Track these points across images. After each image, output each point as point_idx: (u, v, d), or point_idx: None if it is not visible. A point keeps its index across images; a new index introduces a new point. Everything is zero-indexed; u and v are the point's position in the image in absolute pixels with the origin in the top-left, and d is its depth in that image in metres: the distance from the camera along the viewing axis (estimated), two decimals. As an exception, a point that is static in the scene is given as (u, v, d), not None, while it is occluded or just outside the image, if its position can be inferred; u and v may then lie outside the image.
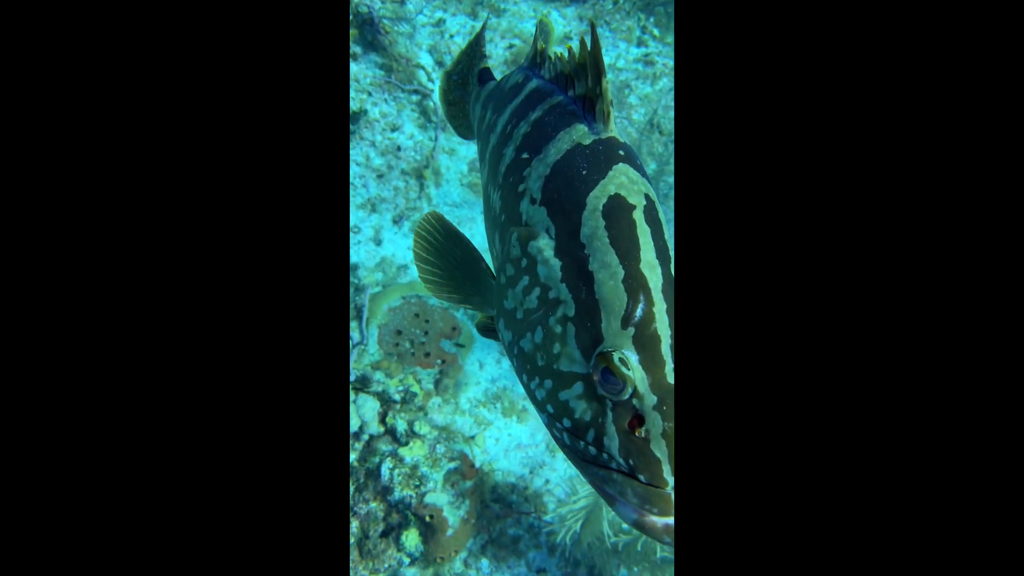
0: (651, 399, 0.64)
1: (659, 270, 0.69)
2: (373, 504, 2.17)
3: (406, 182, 2.85)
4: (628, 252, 0.69)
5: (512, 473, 2.36)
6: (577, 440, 0.68)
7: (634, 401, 0.65)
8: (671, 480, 0.62)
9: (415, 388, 2.32)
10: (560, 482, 2.35)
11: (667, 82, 3.12)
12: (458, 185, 2.88)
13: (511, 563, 2.25)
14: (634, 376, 0.64)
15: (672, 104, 2.97)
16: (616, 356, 0.64)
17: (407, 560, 2.16)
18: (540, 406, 0.73)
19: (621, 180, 0.75)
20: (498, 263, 0.85)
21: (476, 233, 2.81)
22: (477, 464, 2.30)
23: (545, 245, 0.75)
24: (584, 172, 0.77)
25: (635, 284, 0.67)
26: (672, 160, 2.89)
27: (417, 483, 2.15)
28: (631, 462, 0.64)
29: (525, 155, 0.86)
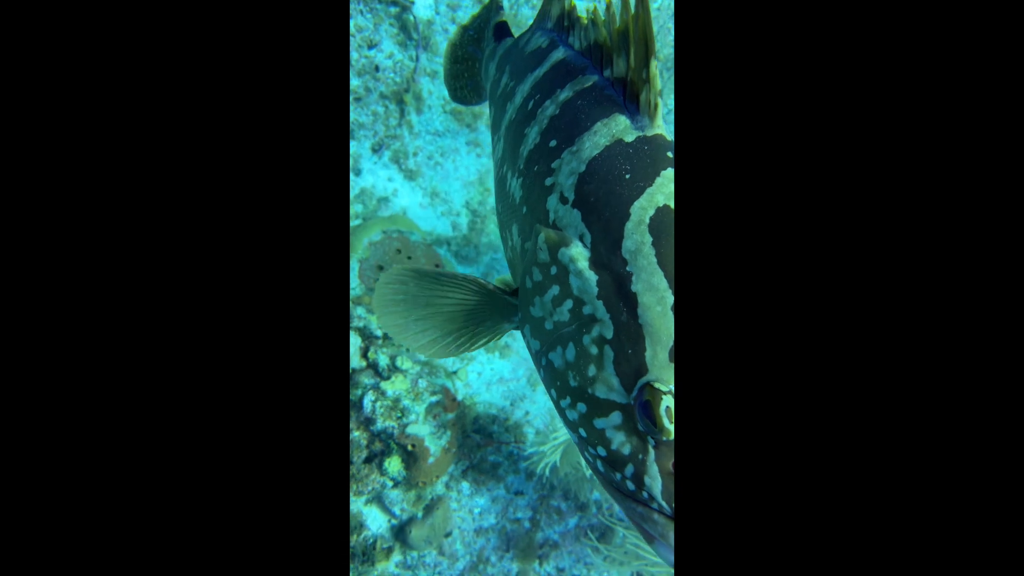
0: None
1: None
2: (356, 433, 2.24)
3: (385, 107, 2.70)
4: None
5: (493, 405, 2.44)
6: (613, 472, 0.63)
7: (669, 423, 0.58)
8: None
9: (396, 324, 2.33)
10: (540, 414, 2.44)
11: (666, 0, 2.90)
12: (441, 112, 2.73)
13: (490, 486, 2.39)
14: None
15: (671, 27, 2.78)
16: (665, 400, 0.58)
17: (390, 483, 2.28)
18: (571, 427, 0.68)
19: (671, 189, 0.66)
20: (519, 262, 0.75)
21: (460, 166, 2.71)
22: (459, 397, 2.37)
23: (579, 255, 0.67)
24: (627, 176, 0.68)
25: None
26: (667, 89, 2.75)
27: (399, 415, 2.22)
28: (675, 506, 0.59)
29: (553, 143, 0.76)
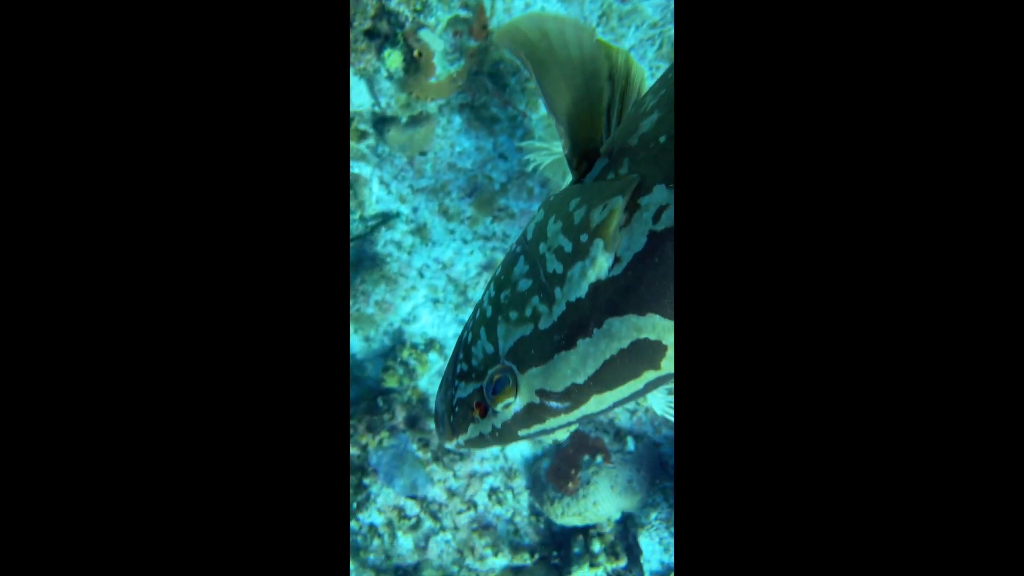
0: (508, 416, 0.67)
1: None
2: (367, -1, 1.86)
3: None
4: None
5: (524, 56, 2.04)
6: (456, 375, 0.73)
7: (498, 409, 0.67)
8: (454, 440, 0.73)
9: None
10: (566, 95, 2.10)
11: None
12: None
13: (480, 135, 2.23)
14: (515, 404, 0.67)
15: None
16: (510, 399, 0.66)
17: (385, 73, 2.06)
18: (479, 307, 0.74)
19: None
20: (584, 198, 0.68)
21: None
22: (491, 25, 1.93)
23: (603, 263, 0.61)
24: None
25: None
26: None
27: (418, 6, 1.81)
28: (453, 416, 0.72)
29: None
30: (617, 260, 0.58)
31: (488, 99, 2.13)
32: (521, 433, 0.67)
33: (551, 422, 0.65)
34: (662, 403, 2.05)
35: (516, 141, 2.20)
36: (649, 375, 0.60)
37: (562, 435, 2.34)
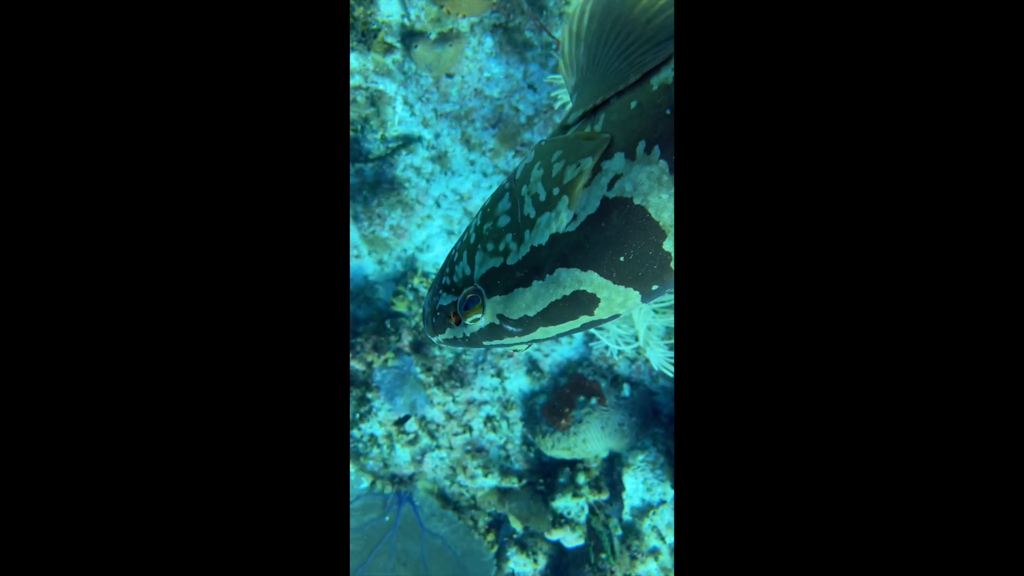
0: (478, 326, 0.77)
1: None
2: None
3: None
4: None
5: (566, -22, 1.90)
6: (439, 287, 0.82)
7: (468, 322, 0.76)
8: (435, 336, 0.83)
9: None
10: (606, 26, 1.96)
11: None
12: None
13: (512, 61, 2.12)
14: (482, 319, 0.76)
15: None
16: (478, 316, 0.75)
17: (418, -15, 1.93)
18: (465, 233, 0.80)
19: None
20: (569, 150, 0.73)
21: None
22: (534, -60, 1.77)
23: (564, 220, 0.68)
24: None
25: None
26: None
27: (457, -89, 1.67)
28: (435, 318, 0.82)
29: None
30: (575, 217, 0.65)
31: (523, 21, 2.00)
32: (485, 343, 0.78)
33: (508, 340, 0.76)
34: (660, 357, 2.06)
35: (548, 72, 2.09)
36: (584, 318, 0.70)
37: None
